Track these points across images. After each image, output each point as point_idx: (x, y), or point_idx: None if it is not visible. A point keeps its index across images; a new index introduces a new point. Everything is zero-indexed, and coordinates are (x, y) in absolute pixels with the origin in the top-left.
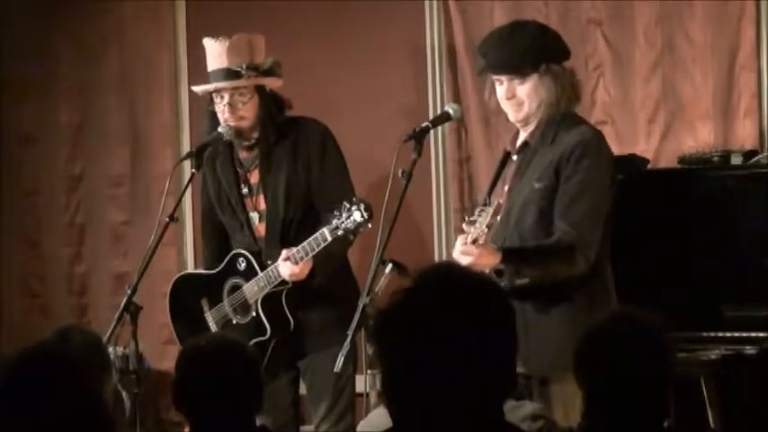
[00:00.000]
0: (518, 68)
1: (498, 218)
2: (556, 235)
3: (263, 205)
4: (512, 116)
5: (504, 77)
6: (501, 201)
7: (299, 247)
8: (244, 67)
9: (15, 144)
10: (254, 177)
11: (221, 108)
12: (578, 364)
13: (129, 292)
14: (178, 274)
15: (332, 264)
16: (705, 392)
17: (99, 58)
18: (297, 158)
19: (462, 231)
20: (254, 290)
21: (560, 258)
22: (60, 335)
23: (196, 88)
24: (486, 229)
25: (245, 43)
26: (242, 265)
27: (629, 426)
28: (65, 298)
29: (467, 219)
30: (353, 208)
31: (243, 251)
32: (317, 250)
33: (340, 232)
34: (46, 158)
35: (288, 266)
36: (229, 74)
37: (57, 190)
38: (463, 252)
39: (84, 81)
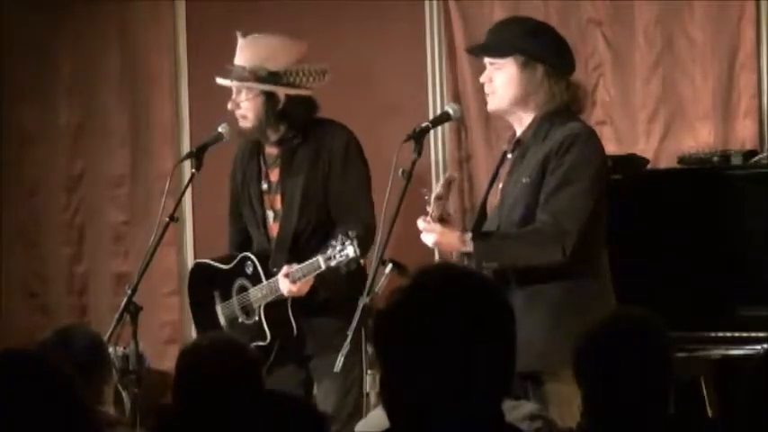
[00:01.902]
0: (491, 49)
1: (449, 188)
2: (534, 224)
3: (278, 204)
4: (488, 105)
5: (486, 59)
6: (453, 173)
7: (299, 266)
8: (246, 68)
9: (15, 144)
10: (275, 175)
11: None
12: (578, 364)
13: (129, 292)
14: (196, 261)
15: (337, 284)
16: (705, 392)
17: (99, 58)
18: (317, 164)
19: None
20: (258, 295)
21: (532, 245)
22: (61, 334)
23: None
24: (437, 201)
25: (256, 45)
26: (249, 269)
27: (628, 426)
28: (65, 298)
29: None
30: (347, 242)
31: (251, 255)
32: (312, 275)
33: (333, 263)
34: (46, 158)
35: (286, 284)
36: (231, 72)
37: (57, 190)
38: (425, 230)
39: (84, 81)
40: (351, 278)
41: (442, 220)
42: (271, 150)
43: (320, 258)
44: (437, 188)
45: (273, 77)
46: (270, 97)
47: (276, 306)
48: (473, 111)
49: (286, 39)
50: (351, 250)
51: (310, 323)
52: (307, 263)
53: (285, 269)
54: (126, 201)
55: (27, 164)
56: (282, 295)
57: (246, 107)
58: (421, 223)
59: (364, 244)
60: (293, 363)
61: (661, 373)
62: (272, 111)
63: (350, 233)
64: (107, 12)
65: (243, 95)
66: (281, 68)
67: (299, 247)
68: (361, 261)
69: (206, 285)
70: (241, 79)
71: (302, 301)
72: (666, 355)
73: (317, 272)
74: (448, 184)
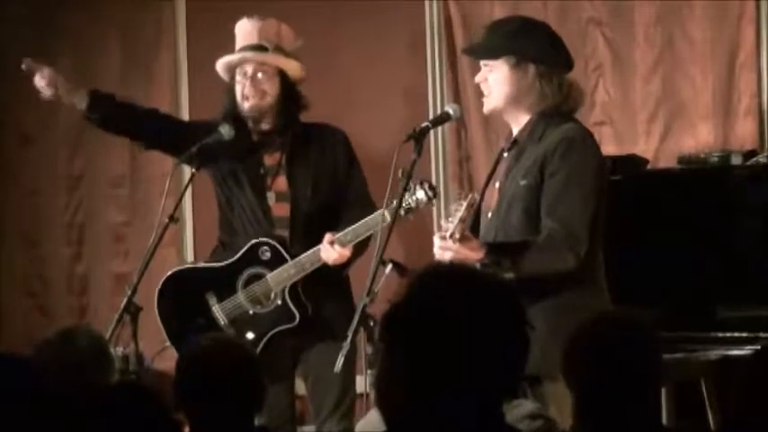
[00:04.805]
0: (483, 51)
1: (473, 210)
2: (543, 232)
3: (283, 186)
4: (484, 107)
5: (480, 61)
6: (476, 194)
7: (348, 230)
8: (271, 46)
9: (15, 144)
10: (272, 159)
11: (243, 83)
12: (566, 366)
13: (129, 292)
14: (168, 273)
15: (362, 250)
16: (705, 392)
17: (99, 58)
18: (324, 160)
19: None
20: (281, 277)
21: (547, 254)
22: (64, 334)
23: (221, 60)
24: (460, 223)
25: (274, 26)
26: (266, 255)
27: (620, 426)
28: (65, 298)
29: (445, 217)
30: (417, 187)
31: (267, 240)
32: (371, 232)
33: (402, 212)
34: (46, 158)
35: (333, 251)
36: (257, 48)
37: (57, 190)
38: (441, 247)
39: (83, 81)
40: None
41: (462, 238)
42: (263, 138)
43: (384, 211)
44: (460, 210)
45: (292, 55)
46: (284, 76)
47: (292, 288)
48: (473, 111)
49: (281, 22)
50: (422, 194)
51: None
52: (362, 222)
53: (329, 236)
54: (126, 201)
55: (27, 164)
56: (316, 267)
57: (269, 85)
58: (438, 240)
59: (434, 191)
60: (282, 359)
61: (646, 374)
62: (288, 90)
63: (421, 180)
64: (107, 11)
65: (261, 73)
66: (293, 49)
67: (311, 230)
68: (433, 203)
69: (192, 293)
70: (274, 54)
71: (308, 283)
72: (652, 356)
73: (376, 229)
74: (470, 207)
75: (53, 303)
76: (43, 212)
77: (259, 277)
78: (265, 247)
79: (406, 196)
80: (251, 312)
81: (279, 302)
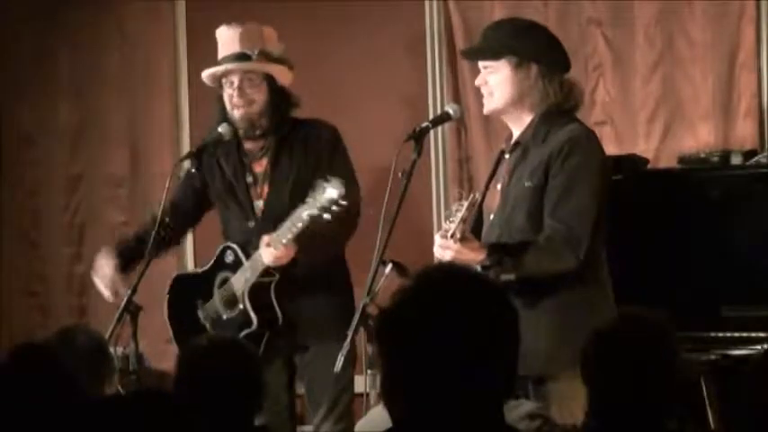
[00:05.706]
0: (484, 52)
1: (474, 210)
2: (544, 232)
3: (266, 194)
4: (484, 107)
5: (480, 63)
6: (477, 194)
7: (279, 230)
8: (255, 52)
9: (15, 144)
10: (260, 166)
11: (230, 93)
12: (585, 363)
13: (129, 292)
14: (173, 276)
15: (319, 247)
16: (705, 392)
17: (99, 58)
18: (307, 158)
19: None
20: (240, 281)
21: (548, 254)
22: (64, 334)
23: (206, 72)
24: (461, 223)
25: (256, 31)
26: (229, 258)
27: (634, 425)
28: (65, 298)
29: (446, 217)
30: (327, 184)
31: (231, 243)
32: (296, 232)
33: (315, 211)
34: (46, 158)
35: (270, 252)
36: (240, 57)
37: (57, 190)
38: (442, 246)
39: (83, 81)
40: (333, 258)
41: (463, 239)
42: (251, 145)
43: (300, 209)
44: (461, 210)
45: (277, 59)
46: (272, 81)
47: (259, 290)
48: (473, 111)
49: (263, 25)
50: (332, 192)
51: (296, 310)
52: (287, 221)
53: (266, 238)
54: (126, 201)
55: (27, 164)
56: (266, 274)
57: (256, 92)
58: (439, 239)
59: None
60: (282, 356)
61: (667, 374)
62: (276, 94)
63: (327, 177)
64: (107, 12)
65: (247, 81)
66: (279, 51)
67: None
68: (344, 202)
69: (186, 297)
70: (258, 62)
71: (285, 283)
72: (673, 356)
73: (301, 226)
74: (471, 207)
75: (53, 303)
76: (43, 212)
77: (227, 281)
78: (229, 251)
79: (317, 195)
80: (224, 317)
81: (241, 306)
